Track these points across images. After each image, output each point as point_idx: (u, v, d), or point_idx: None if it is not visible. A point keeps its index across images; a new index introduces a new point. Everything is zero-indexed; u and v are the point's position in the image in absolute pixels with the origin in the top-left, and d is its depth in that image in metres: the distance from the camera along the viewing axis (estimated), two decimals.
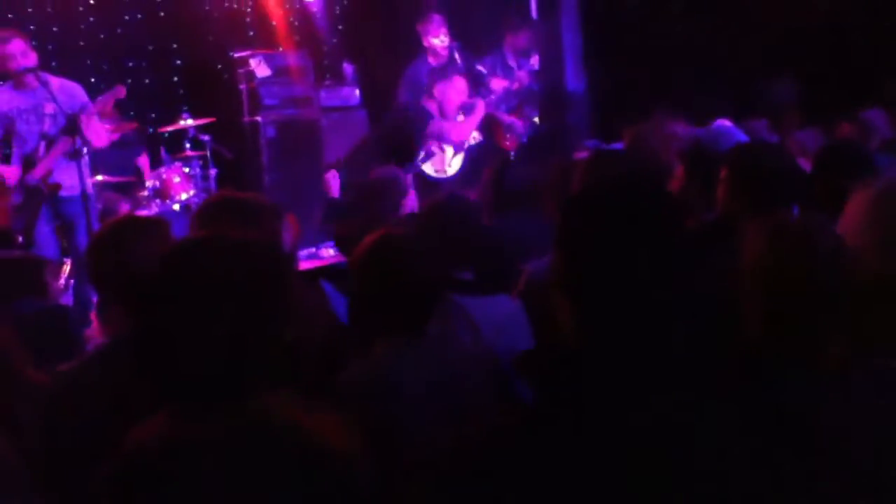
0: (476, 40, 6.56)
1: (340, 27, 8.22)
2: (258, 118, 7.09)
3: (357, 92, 7.50)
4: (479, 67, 6.46)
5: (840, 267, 1.51)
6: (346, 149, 7.27)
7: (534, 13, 6.28)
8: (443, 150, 6.29)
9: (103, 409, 1.81)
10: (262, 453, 1.34)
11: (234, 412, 1.36)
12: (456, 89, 6.03)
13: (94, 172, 5.95)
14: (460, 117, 6.13)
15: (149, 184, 6.20)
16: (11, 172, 4.92)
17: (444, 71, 6.31)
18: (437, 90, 6.02)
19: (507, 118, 6.50)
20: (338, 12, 8.25)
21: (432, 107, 6.08)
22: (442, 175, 6.30)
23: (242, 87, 7.20)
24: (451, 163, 6.33)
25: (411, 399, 1.99)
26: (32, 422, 1.99)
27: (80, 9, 7.15)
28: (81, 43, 7.18)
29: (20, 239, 4.89)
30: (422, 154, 6.31)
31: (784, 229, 1.56)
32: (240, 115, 7.20)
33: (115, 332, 2.08)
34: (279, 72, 7.23)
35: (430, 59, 6.31)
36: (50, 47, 6.91)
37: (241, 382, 1.38)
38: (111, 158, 6.14)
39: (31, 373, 2.17)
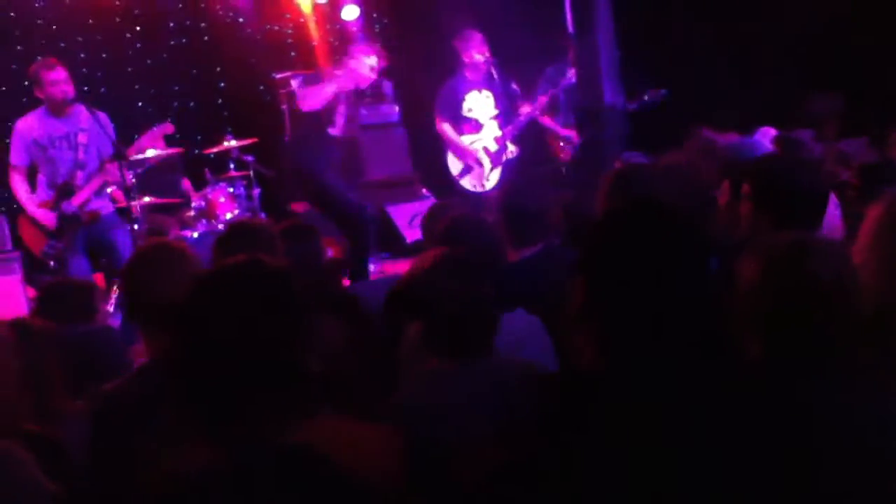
0: (513, 58, 6.57)
1: (380, 46, 8.31)
2: None
3: (396, 109, 7.58)
4: (514, 87, 6.46)
5: (836, 292, 1.46)
6: (386, 165, 7.34)
7: (570, 28, 6.27)
8: (481, 165, 6.33)
9: (143, 427, 1.87)
10: (290, 482, 1.36)
11: (265, 439, 1.39)
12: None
13: (140, 194, 6.11)
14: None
15: (194, 204, 6.32)
16: (47, 216, 5.02)
17: (480, 86, 6.35)
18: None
19: (564, 131, 6.48)
20: (377, 31, 8.35)
21: None
22: (480, 189, 6.33)
23: (284, 107, 7.32)
24: (489, 177, 6.36)
25: (461, 420, 1.94)
26: (73, 441, 2.06)
27: (128, 35, 7.36)
28: (129, 69, 7.39)
29: (52, 264, 4.98)
30: (461, 168, 6.36)
31: (778, 253, 1.52)
32: (282, 135, 7.32)
33: (154, 352, 2.15)
34: None
35: (468, 75, 6.34)
36: (99, 74, 7.13)
37: (270, 409, 1.41)
38: (157, 181, 6.29)
39: (64, 400, 2.23)
